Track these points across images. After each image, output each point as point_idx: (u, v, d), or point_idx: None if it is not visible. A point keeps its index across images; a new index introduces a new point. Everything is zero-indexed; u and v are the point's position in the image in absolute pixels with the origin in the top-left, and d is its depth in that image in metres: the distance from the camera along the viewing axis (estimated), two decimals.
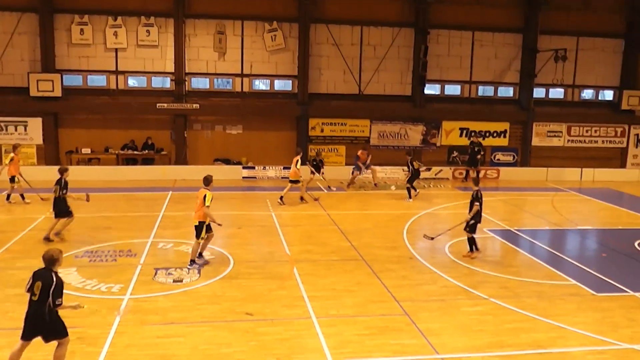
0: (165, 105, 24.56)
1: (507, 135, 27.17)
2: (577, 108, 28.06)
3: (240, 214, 18.03)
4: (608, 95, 28.51)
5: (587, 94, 28.48)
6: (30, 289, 7.60)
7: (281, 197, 19.35)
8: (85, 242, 14.34)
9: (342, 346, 9.13)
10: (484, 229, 16.86)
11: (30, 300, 7.58)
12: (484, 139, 26.81)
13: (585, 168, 26.86)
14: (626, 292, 12.05)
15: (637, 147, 28.29)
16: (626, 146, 28.32)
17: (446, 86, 26.99)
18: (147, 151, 24.84)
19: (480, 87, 27.25)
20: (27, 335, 7.64)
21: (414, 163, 21.09)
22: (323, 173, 21.69)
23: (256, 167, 24.74)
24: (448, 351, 9.13)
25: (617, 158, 28.30)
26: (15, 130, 24.19)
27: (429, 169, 25.15)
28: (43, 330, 7.61)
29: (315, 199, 19.96)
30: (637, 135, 28.20)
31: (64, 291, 7.71)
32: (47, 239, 14.11)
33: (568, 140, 27.77)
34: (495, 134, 26.99)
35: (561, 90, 27.91)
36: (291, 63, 25.44)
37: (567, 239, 17.07)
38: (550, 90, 27.83)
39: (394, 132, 26.25)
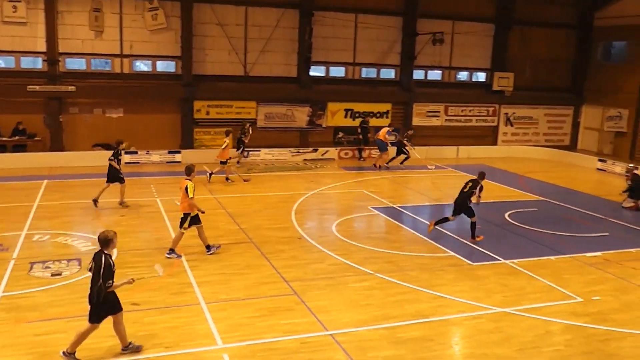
0: (37, 87, 22.94)
1: (390, 115, 28.07)
2: (454, 89, 29.53)
3: (124, 201, 17.29)
4: (481, 76, 30.24)
5: (462, 75, 30.03)
6: (90, 269, 7.91)
7: (210, 174, 20.11)
8: None
9: (233, 330, 9.11)
10: (369, 207, 17.42)
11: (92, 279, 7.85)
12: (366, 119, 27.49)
13: (461, 146, 28.42)
14: (498, 260, 12.97)
15: (506, 125, 30.31)
16: (497, 124, 30.23)
17: (331, 68, 27.37)
18: (17, 137, 23.14)
19: (364, 69, 27.90)
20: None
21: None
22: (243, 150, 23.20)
23: (139, 152, 23.85)
24: (337, 327, 9.39)
25: (490, 136, 30.17)
26: None
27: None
28: (103, 304, 7.87)
29: (245, 180, 20.29)
30: (507, 114, 30.18)
31: None
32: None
33: (446, 120, 29.19)
34: (378, 115, 27.78)
35: (439, 72, 29.22)
36: (174, 43, 24.65)
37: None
38: (429, 72, 29.05)
39: (280, 113, 26.28)
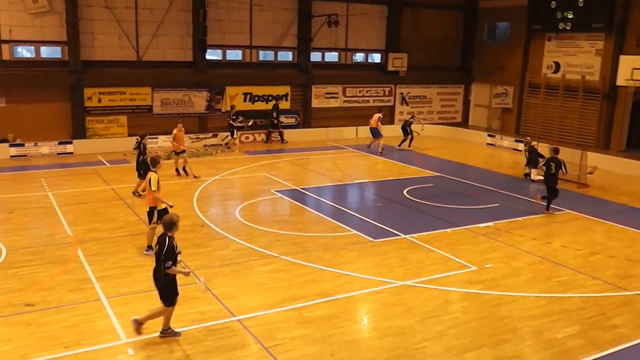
0: None
1: (289, 98, 28.12)
2: (351, 70, 30.00)
3: (12, 197, 16.25)
4: (376, 58, 30.89)
5: (359, 57, 30.53)
6: (155, 252, 8.34)
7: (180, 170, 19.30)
8: None
9: None
10: (272, 190, 17.45)
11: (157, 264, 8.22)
12: (267, 102, 27.41)
13: (360, 126, 29.00)
14: (399, 235, 13.45)
15: (402, 104, 31.25)
16: (393, 104, 31.09)
17: (228, 51, 26.94)
18: None
19: (261, 52, 27.69)
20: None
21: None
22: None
23: (26, 144, 22.45)
24: (244, 312, 9.39)
25: (387, 115, 30.96)
26: None
27: None
28: (158, 289, 8.31)
29: (196, 177, 18.82)
30: (402, 94, 31.10)
31: None
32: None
33: (344, 101, 29.64)
34: (277, 98, 27.75)
35: (336, 53, 29.56)
36: (59, 27, 23.25)
37: (347, 193, 18.40)
38: (326, 54, 29.31)
39: (177, 99, 25.61)
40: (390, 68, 30.11)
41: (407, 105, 31.23)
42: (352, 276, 10.99)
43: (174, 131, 18.98)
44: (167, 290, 8.26)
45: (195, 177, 18.79)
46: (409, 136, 25.66)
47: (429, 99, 31.99)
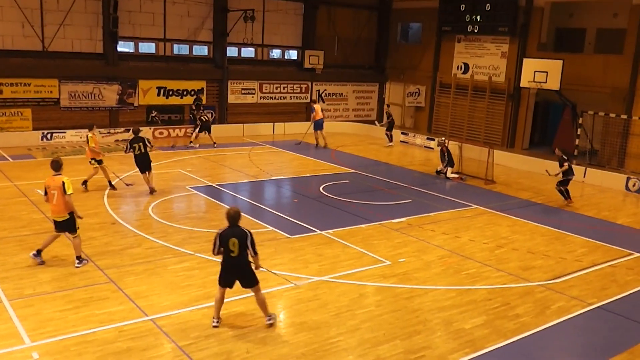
0: None
1: (205, 93, 27.66)
2: (267, 66, 29.90)
3: None
4: (293, 54, 30.97)
5: (276, 53, 30.49)
6: (224, 248, 8.54)
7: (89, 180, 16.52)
8: None
9: (42, 326, 8.47)
10: (187, 187, 17.13)
11: (228, 257, 8.56)
12: (182, 97, 26.86)
13: (276, 122, 29.02)
14: (315, 231, 13.57)
15: (318, 101, 31.46)
16: (310, 101, 31.26)
17: (140, 44, 26.14)
18: None
19: (176, 46, 27.06)
20: (227, 283, 8.77)
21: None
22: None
23: None
24: (157, 311, 9.17)
25: (303, 112, 31.12)
26: None
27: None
28: (244, 279, 8.73)
29: (128, 185, 16.97)
30: (318, 91, 31.35)
31: None
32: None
33: (261, 97, 29.50)
34: (192, 92, 27.24)
35: (252, 49, 29.37)
36: None
37: (264, 189, 18.36)
38: (242, 49, 29.06)
39: (87, 92, 24.57)
40: (306, 65, 30.25)
41: (324, 102, 31.50)
42: (268, 273, 10.95)
43: (90, 135, 16.40)
44: (253, 275, 8.81)
45: (127, 184, 16.99)
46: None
47: (345, 97, 32.43)
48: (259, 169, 20.53)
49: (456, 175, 20.49)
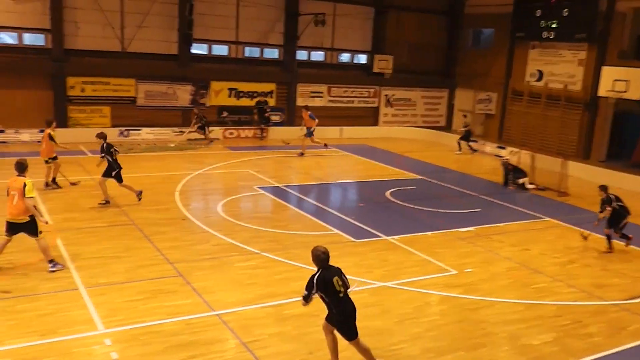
0: None
1: (274, 95, 28.07)
2: (336, 70, 30.03)
3: None
4: (362, 58, 30.97)
5: (345, 57, 30.58)
6: (332, 290, 7.31)
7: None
8: None
9: (114, 314, 8.80)
10: (255, 187, 17.40)
11: (339, 300, 7.36)
12: (252, 99, 27.35)
13: (344, 126, 29.06)
14: (379, 236, 13.49)
15: (386, 106, 31.36)
16: (378, 106, 31.18)
17: (213, 46, 26.81)
18: None
19: (247, 48, 27.61)
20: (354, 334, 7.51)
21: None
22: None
23: (6, 131, 22.11)
24: (223, 307, 9.34)
25: (371, 116, 31.07)
26: None
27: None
28: (353, 326, 7.54)
29: (73, 184, 16.49)
30: (387, 95, 31.21)
31: None
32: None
33: (329, 100, 29.65)
34: (263, 94, 27.67)
35: (322, 53, 29.57)
36: (41, 15, 22.92)
37: (329, 192, 18.42)
38: (312, 53, 29.31)
39: (161, 92, 25.40)
40: (375, 69, 30.19)
41: (392, 107, 31.34)
42: None
43: (48, 131, 15.70)
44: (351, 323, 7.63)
45: (72, 184, 16.35)
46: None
47: (414, 102, 32.13)
48: (325, 171, 20.62)
49: (532, 186, 19.85)
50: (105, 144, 14.74)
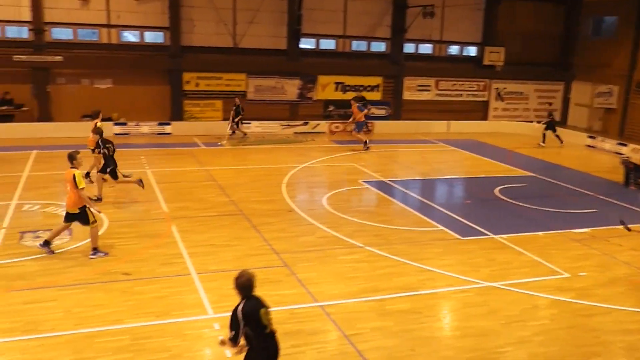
0: (24, 57, 22.60)
1: (380, 89, 27.98)
2: (444, 63, 29.41)
3: None
4: (472, 51, 30.11)
5: (453, 49, 29.88)
6: (258, 323, 5.97)
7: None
8: None
9: (223, 300, 9.14)
10: (360, 181, 17.46)
11: (265, 336, 6.04)
12: (358, 93, 27.42)
13: (451, 120, 28.44)
14: (487, 235, 13.08)
15: (497, 100, 30.32)
16: (487, 99, 30.23)
17: (321, 40, 27.15)
18: (5, 107, 22.86)
19: (354, 42, 27.70)
20: None
21: None
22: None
23: (128, 124, 23.68)
24: (326, 299, 9.47)
25: (480, 111, 30.18)
26: None
27: None
28: None
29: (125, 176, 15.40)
30: (497, 89, 30.17)
31: None
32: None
33: (436, 94, 29.13)
34: (369, 88, 27.69)
35: (430, 45, 29.07)
36: (161, 14, 24.27)
37: (435, 188, 18.12)
38: (420, 45, 28.89)
39: (270, 86, 26.10)
40: (485, 62, 29.27)
41: (502, 101, 30.26)
42: (436, 272, 10.81)
43: (95, 122, 15.42)
44: None
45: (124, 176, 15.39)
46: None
47: (526, 96, 30.84)
48: (432, 166, 20.29)
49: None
50: (100, 140, 14.10)
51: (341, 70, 27.20)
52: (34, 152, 19.48)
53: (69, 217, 10.64)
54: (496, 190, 17.11)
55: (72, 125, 22.39)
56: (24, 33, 23.05)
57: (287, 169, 18.46)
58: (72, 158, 10.56)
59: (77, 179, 10.26)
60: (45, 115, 23.34)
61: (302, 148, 22.57)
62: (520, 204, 15.81)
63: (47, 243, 10.75)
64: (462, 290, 10.12)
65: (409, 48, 28.35)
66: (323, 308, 9.14)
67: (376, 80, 27.89)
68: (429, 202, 15.78)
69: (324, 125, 26.26)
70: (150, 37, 24.75)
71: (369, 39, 27.84)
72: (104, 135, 14.43)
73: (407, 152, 22.99)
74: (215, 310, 8.81)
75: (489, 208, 15.55)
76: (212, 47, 25.20)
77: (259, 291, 9.35)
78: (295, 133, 25.37)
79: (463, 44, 29.81)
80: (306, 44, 26.76)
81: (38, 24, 22.71)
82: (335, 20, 26.97)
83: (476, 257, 11.72)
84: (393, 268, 10.90)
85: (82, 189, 10.33)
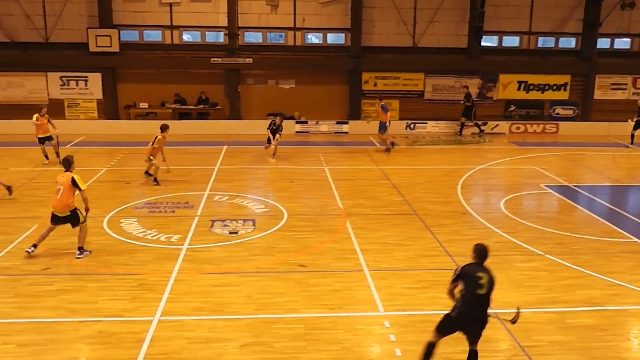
0: (220, 59, 24.69)
1: (568, 88, 26.15)
2: None
3: (293, 168, 18.20)
4: None
5: None
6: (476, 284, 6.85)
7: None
8: (145, 194, 14.84)
9: (393, 298, 9.22)
10: (541, 185, 16.51)
11: (474, 296, 6.89)
12: (542, 92, 25.93)
13: None
14: None
15: None
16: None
17: (504, 37, 26.05)
18: (201, 106, 25.19)
19: (540, 38, 26.18)
20: (461, 330, 7.13)
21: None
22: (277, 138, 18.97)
23: (309, 122, 24.77)
24: (500, 306, 9.02)
25: None
26: (77, 85, 24.87)
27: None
28: (480, 328, 7.08)
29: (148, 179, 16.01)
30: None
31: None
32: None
33: (633, 93, 26.51)
34: (555, 87, 26.02)
35: (627, 40, 26.51)
36: (343, 15, 25.02)
37: (628, 196, 16.53)
38: (616, 40, 26.48)
39: (448, 85, 25.66)
40: None
41: None
42: (625, 287, 9.87)
43: (158, 136, 15.61)
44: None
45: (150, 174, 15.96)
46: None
47: None
48: (625, 172, 18.54)
49: None
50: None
51: (524, 69, 25.90)
52: (225, 147, 21.19)
53: (57, 220, 10.59)
54: None
55: (258, 123, 23.96)
56: (220, 37, 25.16)
57: (463, 171, 18.02)
58: (69, 163, 10.66)
59: (78, 182, 10.37)
60: (235, 113, 25.27)
61: (479, 149, 21.90)
62: None
63: (34, 246, 10.66)
64: None
65: (602, 43, 26.12)
66: (497, 316, 8.79)
67: (563, 78, 26.12)
68: (620, 211, 14.42)
69: (503, 126, 25.20)
70: (332, 38, 25.64)
71: (557, 34, 26.14)
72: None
73: (597, 155, 21.24)
74: (386, 308, 8.89)
75: None
76: (391, 47, 25.41)
77: (430, 293, 9.29)
78: (473, 134, 24.65)
79: None
80: (488, 41, 25.87)
81: (233, 29, 24.64)
82: (521, 16, 25.71)
83: None
84: (576, 279, 10.15)
85: (84, 190, 10.49)
